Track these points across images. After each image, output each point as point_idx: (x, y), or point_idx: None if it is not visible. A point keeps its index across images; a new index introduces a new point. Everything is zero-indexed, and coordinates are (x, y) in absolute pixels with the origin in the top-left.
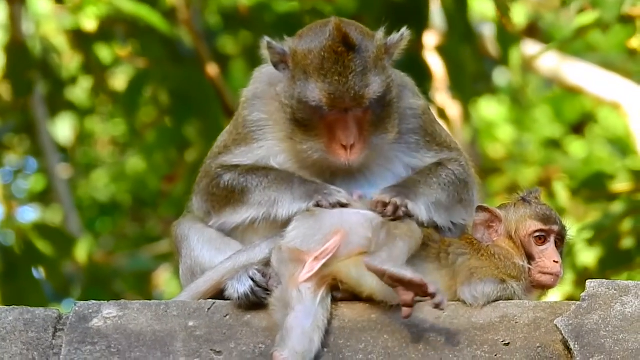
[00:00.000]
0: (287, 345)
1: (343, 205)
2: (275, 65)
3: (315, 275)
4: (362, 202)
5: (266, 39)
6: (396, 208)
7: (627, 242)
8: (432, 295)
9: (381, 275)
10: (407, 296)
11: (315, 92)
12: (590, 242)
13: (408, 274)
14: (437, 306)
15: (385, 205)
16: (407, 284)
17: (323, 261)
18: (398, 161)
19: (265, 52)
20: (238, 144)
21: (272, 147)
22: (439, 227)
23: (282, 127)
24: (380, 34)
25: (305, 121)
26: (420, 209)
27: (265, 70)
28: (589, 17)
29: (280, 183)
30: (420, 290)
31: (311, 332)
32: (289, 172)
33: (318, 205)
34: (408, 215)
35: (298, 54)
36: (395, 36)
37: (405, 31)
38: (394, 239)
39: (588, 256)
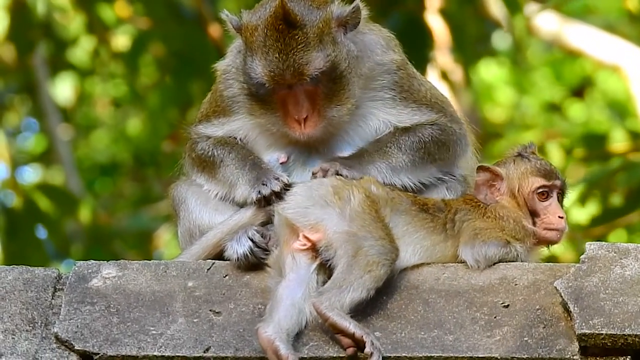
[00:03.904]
0: (273, 319)
1: (277, 194)
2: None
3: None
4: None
5: (225, 12)
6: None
7: (616, 200)
8: (369, 354)
9: (324, 320)
10: (348, 342)
11: (259, 69)
12: (583, 199)
13: (351, 327)
14: None
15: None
16: (349, 336)
17: (309, 244)
18: (374, 117)
19: (227, 25)
20: (217, 116)
21: (248, 122)
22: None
23: (246, 101)
24: (333, 6)
25: (260, 95)
26: (371, 175)
27: (237, 44)
28: None
29: (237, 164)
30: (359, 346)
31: (301, 302)
32: (248, 152)
33: (260, 194)
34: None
35: (248, 30)
36: (345, 9)
37: (357, 3)
38: (350, 283)
39: (579, 213)
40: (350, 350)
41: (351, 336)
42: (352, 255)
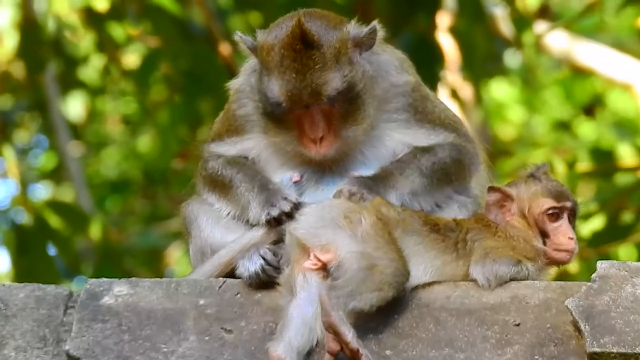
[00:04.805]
0: (283, 338)
1: (287, 214)
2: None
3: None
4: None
5: (238, 33)
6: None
7: (626, 217)
8: None
9: (325, 315)
10: (335, 346)
11: (275, 89)
12: (587, 216)
13: (350, 335)
14: None
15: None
16: (342, 342)
17: (319, 264)
18: (390, 139)
19: (241, 45)
20: (230, 135)
21: (261, 141)
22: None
23: (260, 120)
24: (350, 26)
25: (276, 115)
26: (391, 200)
27: (251, 63)
28: None
29: (246, 186)
30: (353, 357)
31: (312, 321)
32: (256, 172)
33: (269, 216)
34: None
35: (264, 49)
36: (362, 29)
37: (375, 25)
38: (359, 292)
39: (585, 229)
40: (327, 357)
41: (345, 344)
42: (367, 268)
